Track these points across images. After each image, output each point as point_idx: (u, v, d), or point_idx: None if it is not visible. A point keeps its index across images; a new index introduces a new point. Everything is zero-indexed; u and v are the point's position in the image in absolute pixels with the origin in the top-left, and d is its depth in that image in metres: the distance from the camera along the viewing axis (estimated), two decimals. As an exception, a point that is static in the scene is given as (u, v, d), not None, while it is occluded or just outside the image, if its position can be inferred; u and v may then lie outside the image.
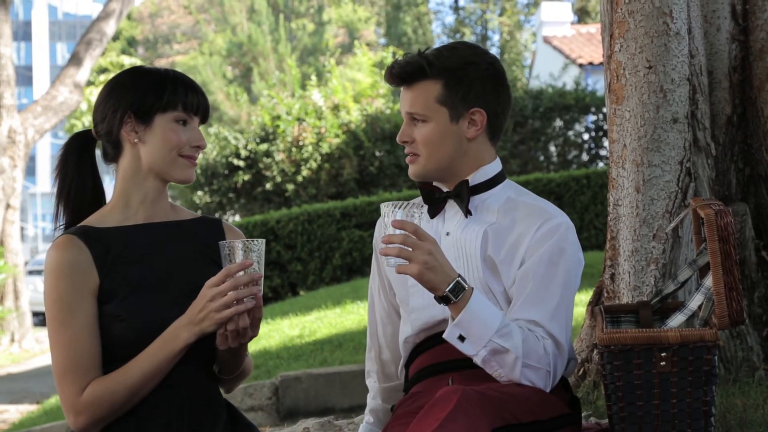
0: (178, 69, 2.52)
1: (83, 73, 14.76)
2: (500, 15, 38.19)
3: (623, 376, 2.20)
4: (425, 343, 2.41)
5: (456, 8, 39.58)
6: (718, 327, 2.19)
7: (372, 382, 2.65)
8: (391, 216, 2.15)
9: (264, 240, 2.17)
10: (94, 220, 2.28)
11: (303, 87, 18.53)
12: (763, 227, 3.72)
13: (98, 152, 2.39)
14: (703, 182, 3.57)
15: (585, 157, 15.36)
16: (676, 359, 2.18)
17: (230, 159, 15.24)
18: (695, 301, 2.32)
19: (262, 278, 2.13)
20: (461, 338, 2.19)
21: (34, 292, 20.88)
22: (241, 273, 2.11)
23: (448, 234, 2.40)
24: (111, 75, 27.67)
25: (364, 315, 7.57)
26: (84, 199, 2.34)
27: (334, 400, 5.35)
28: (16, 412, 8.83)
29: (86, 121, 27.68)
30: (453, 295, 2.16)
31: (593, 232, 11.74)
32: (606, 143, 14.66)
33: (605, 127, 14.47)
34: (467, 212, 2.38)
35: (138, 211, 2.29)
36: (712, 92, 3.73)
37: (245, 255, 2.11)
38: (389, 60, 18.26)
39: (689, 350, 2.18)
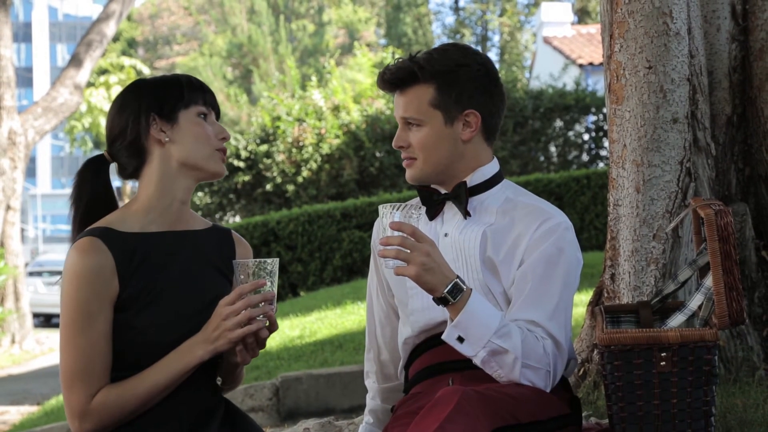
0: (178, 70, 2.54)
1: (83, 75, 14.77)
2: (500, 15, 38.21)
3: (623, 376, 2.20)
4: (425, 344, 2.41)
5: (456, 9, 39.60)
6: (719, 327, 2.19)
7: (371, 382, 2.65)
8: (389, 218, 2.15)
9: (277, 259, 2.18)
10: (115, 220, 2.26)
11: (303, 88, 18.54)
12: (763, 227, 3.72)
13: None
14: (703, 182, 3.57)
15: (585, 157, 15.37)
16: (676, 359, 2.18)
17: (230, 160, 15.24)
18: (695, 301, 2.32)
19: (275, 297, 2.15)
20: (460, 339, 2.19)
21: (34, 293, 20.92)
22: (255, 293, 2.12)
23: (446, 235, 2.40)
24: (111, 76, 27.69)
25: (365, 316, 7.55)
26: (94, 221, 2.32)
27: (334, 401, 5.35)
28: (16, 413, 8.83)
29: (86, 123, 27.71)
30: (451, 296, 2.16)
31: (593, 232, 11.74)
32: (606, 143, 14.66)
33: (605, 127, 14.47)
34: (466, 213, 2.38)
35: (162, 218, 2.27)
36: (712, 92, 3.73)
37: (258, 274, 2.13)
38: (389, 61, 18.20)
39: (689, 350, 2.18)
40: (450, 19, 60.74)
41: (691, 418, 2.20)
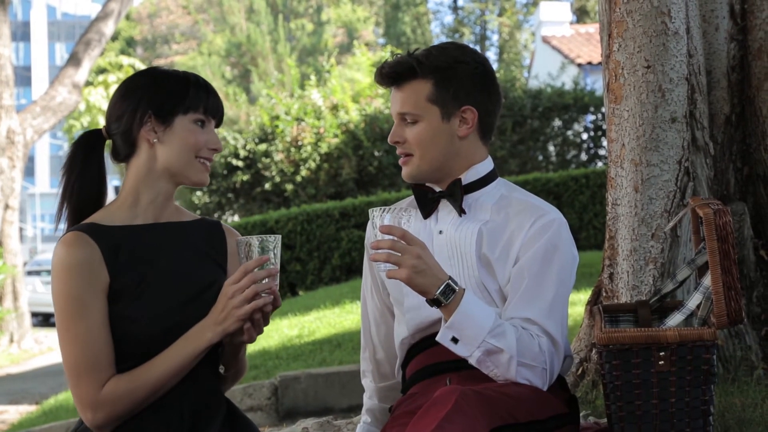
0: (178, 69, 2.53)
1: (82, 74, 14.76)
2: (499, 15, 38.21)
3: (622, 375, 2.20)
4: (421, 344, 2.41)
5: (455, 8, 39.59)
6: (717, 326, 2.19)
7: (368, 381, 2.65)
8: (379, 221, 2.15)
9: (279, 236, 2.19)
10: (100, 217, 2.28)
11: (302, 87, 18.56)
12: (762, 226, 3.72)
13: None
14: (702, 181, 3.57)
15: (584, 156, 15.37)
16: (674, 358, 2.18)
17: (229, 159, 15.24)
18: (694, 301, 2.32)
19: (279, 272, 2.15)
20: (454, 340, 2.20)
21: (33, 292, 20.90)
22: (258, 269, 2.12)
23: (441, 233, 2.40)
24: (110, 75, 27.69)
25: (362, 315, 7.56)
26: (88, 199, 2.33)
27: (333, 400, 5.35)
28: (15, 412, 8.82)
29: (85, 122, 27.69)
30: (443, 297, 2.16)
31: (592, 231, 11.74)
32: (605, 143, 14.66)
33: (604, 126, 14.46)
34: (461, 211, 2.38)
35: (147, 211, 2.30)
36: (711, 92, 3.73)
37: (261, 251, 2.14)
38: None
39: (688, 349, 2.18)
40: (449, 18, 60.78)
41: (689, 417, 2.20)
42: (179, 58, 34.67)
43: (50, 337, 16.22)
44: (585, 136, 15.49)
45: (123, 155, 2.30)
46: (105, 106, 27.49)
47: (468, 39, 37.79)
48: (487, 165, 2.45)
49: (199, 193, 15.45)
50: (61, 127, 29.62)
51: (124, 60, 28.98)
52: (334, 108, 15.56)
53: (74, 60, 14.76)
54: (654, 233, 3.45)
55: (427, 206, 2.42)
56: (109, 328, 2.18)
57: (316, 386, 5.38)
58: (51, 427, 6.42)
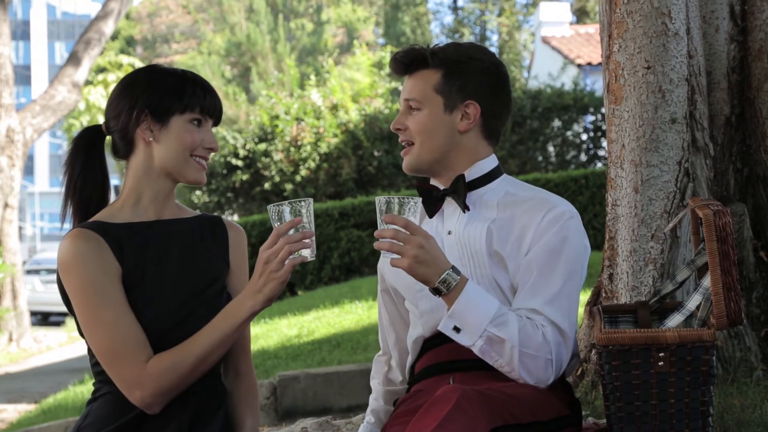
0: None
1: (82, 73, 14.76)
2: (499, 15, 38.20)
3: (621, 376, 2.20)
4: (432, 341, 2.41)
5: (455, 8, 39.58)
6: (716, 327, 2.19)
7: (376, 383, 2.67)
8: (383, 210, 2.16)
9: (311, 199, 2.19)
10: (104, 216, 2.29)
11: (302, 87, 18.54)
12: (761, 228, 3.72)
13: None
14: (702, 182, 3.57)
15: (583, 157, 15.37)
16: (674, 359, 2.18)
17: (229, 159, 15.24)
18: (693, 302, 2.32)
19: (314, 235, 2.15)
20: (456, 329, 2.20)
21: (32, 291, 20.93)
22: (292, 232, 2.12)
23: (450, 233, 2.40)
24: (109, 74, 27.70)
25: (363, 315, 7.57)
26: (92, 195, 2.34)
27: (332, 400, 5.35)
28: (14, 411, 8.83)
29: (84, 121, 27.67)
30: (444, 286, 2.17)
31: (592, 232, 11.73)
32: (604, 143, 14.67)
33: (604, 127, 14.47)
34: (465, 207, 2.38)
35: (149, 209, 2.31)
36: (711, 93, 3.73)
37: (293, 215, 2.13)
38: (387, 60, 18.22)
39: (687, 350, 2.18)
40: (449, 18, 60.79)
41: (688, 418, 2.20)
42: (179, 58, 34.67)
43: (49, 336, 16.22)
44: (584, 136, 15.49)
45: (122, 152, 2.31)
46: (104, 105, 27.50)
47: (468, 39, 37.77)
48: (491, 162, 2.45)
49: (198, 192, 15.46)
50: (61, 126, 29.60)
51: (124, 59, 28.98)
52: (334, 108, 15.57)
53: (74, 59, 14.76)
54: (654, 234, 3.45)
55: (432, 205, 2.43)
56: (131, 312, 2.18)
57: (315, 386, 5.38)
58: (50, 426, 6.43)
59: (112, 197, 2.38)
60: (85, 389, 7.75)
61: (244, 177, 15.18)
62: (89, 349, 2.28)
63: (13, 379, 11.41)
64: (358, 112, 15.39)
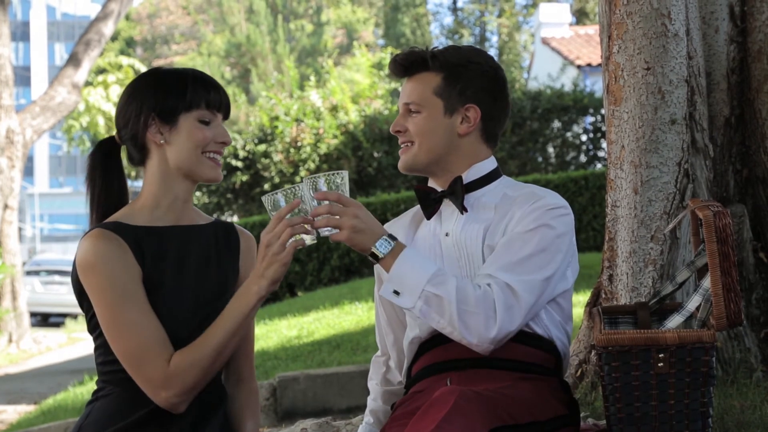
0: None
1: (81, 74, 14.76)
2: (499, 16, 38.22)
3: (621, 377, 2.20)
4: (430, 342, 2.41)
5: (454, 9, 39.60)
6: (716, 328, 2.19)
7: (373, 384, 2.67)
8: (313, 188, 2.19)
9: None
10: (123, 215, 2.29)
11: (301, 88, 18.53)
12: (761, 229, 3.72)
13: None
14: (701, 183, 3.57)
15: (583, 158, 15.37)
16: (673, 360, 2.18)
17: (228, 160, 15.24)
18: (693, 303, 2.32)
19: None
20: (396, 293, 2.21)
21: (31, 292, 20.91)
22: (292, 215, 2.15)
23: (447, 235, 2.40)
24: (109, 75, 27.68)
25: (362, 316, 7.57)
26: (117, 206, 2.35)
27: (332, 401, 5.35)
28: (13, 412, 8.82)
29: (84, 122, 27.70)
30: (380, 249, 2.19)
31: (591, 233, 11.74)
32: (604, 144, 14.67)
33: (603, 128, 14.47)
34: (462, 209, 2.38)
35: (167, 214, 2.31)
36: (711, 94, 3.73)
37: (288, 203, 2.17)
38: (387, 61, 18.22)
39: (687, 351, 2.18)
40: (448, 19, 60.79)
41: (688, 420, 2.20)
42: (179, 59, 34.68)
43: (49, 337, 16.22)
44: (584, 137, 15.49)
45: (137, 159, 2.32)
46: (104, 106, 27.52)
47: (467, 40, 37.79)
48: (489, 163, 2.45)
49: (198, 193, 15.45)
50: (61, 127, 29.60)
51: (124, 60, 28.98)
52: (334, 109, 15.56)
53: (74, 60, 14.76)
54: (653, 235, 3.45)
55: (430, 206, 2.43)
56: (155, 314, 2.19)
57: (315, 387, 5.38)
58: (49, 427, 6.42)
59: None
60: (84, 390, 7.75)
61: (244, 178, 15.18)
62: (96, 347, 2.28)
63: (13, 380, 11.41)
64: (358, 113, 15.39)
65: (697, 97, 3.58)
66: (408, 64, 2.43)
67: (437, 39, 38.83)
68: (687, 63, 3.53)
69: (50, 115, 14.46)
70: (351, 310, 8.04)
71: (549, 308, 2.36)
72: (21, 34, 62.47)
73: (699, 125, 3.59)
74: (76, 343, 16.10)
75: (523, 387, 2.25)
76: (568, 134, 15.39)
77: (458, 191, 2.39)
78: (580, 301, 6.17)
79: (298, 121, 15.32)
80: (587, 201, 11.86)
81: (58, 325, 21.16)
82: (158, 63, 36.33)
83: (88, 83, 25.19)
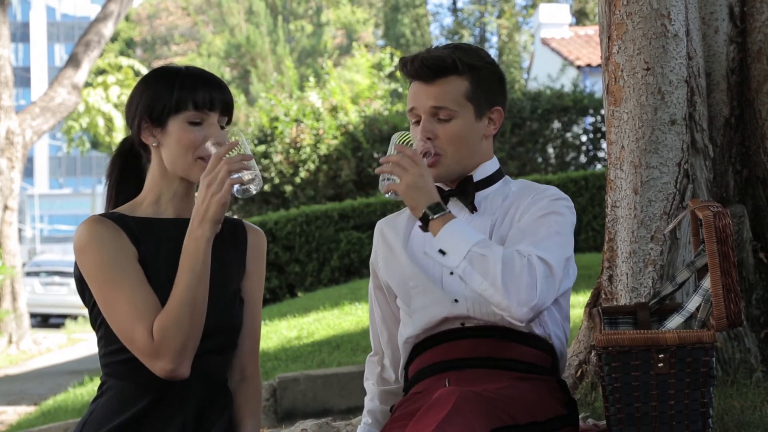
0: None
1: (81, 75, 14.76)
2: (498, 17, 38.22)
3: (621, 377, 2.20)
4: (425, 343, 2.41)
5: (454, 10, 39.60)
6: (716, 328, 2.19)
7: (370, 384, 2.66)
8: (398, 142, 2.29)
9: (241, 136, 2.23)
10: (124, 209, 2.30)
11: (301, 88, 18.55)
12: (761, 229, 3.72)
13: None
14: (701, 184, 3.57)
15: (583, 158, 15.36)
16: (673, 361, 2.18)
17: (228, 160, 15.21)
18: (693, 303, 2.32)
19: (253, 158, 2.18)
20: (441, 252, 2.22)
21: (31, 293, 20.91)
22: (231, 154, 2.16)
23: None
24: (109, 76, 27.68)
25: (362, 317, 7.57)
26: (125, 203, 2.36)
27: (332, 402, 5.34)
28: (13, 413, 8.82)
29: (84, 123, 27.70)
30: (432, 211, 2.21)
31: (591, 233, 11.74)
32: (604, 145, 14.66)
33: (603, 128, 14.47)
34: (473, 208, 2.39)
35: (168, 207, 2.31)
36: (710, 94, 3.73)
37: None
38: (387, 61, 18.26)
39: (687, 352, 2.18)
40: (448, 20, 60.76)
41: (688, 420, 2.20)
42: (178, 60, 34.68)
43: (49, 338, 16.22)
44: (584, 138, 15.49)
45: (144, 158, 2.34)
46: (104, 107, 27.54)
47: (467, 41, 37.70)
48: (494, 163, 2.48)
49: (197, 193, 15.42)
50: (60, 128, 29.61)
51: (124, 61, 29.00)
52: (333, 109, 15.56)
53: (73, 61, 14.76)
54: (653, 235, 3.45)
55: None
56: (149, 287, 2.18)
57: (315, 388, 5.38)
58: (49, 428, 6.42)
59: None
60: (84, 391, 7.75)
61: (244, 179, 15.16)
62: (98, 340, 2.27)
63: (13, 381, 11.40)
64: (358, 114, 15.38)
65: (696, 98, 3.58)
66: (436, 67, 2.38)
67: (437, 39, 38.81)
68: (687, 63, 3.53)
69: (50, 116, 14.46)
70: (351, 310, 8.04)
71: (551, 307, 2.37)
72: (21, 35, 62.47)
73: (699, 126, 3.59)
74: (76, 344, 16.10)
75: (522, 387, 2.25)
76: (568, 135, 15.39)
77: (470, 191, 2.41)
78: (580, 301, 6.17)
79: (297, 121, 15.32)
80: (587, 201, 11.86)
81: (58, 326, 21.16)
82: (158, 64, 36.35)
83: (87, 84, 25.19)
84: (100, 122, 27.51)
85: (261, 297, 2.41)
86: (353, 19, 36.19)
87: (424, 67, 2.39)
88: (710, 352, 2.18)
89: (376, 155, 14.90)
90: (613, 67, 3.55)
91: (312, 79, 17.68)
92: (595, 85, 18.86)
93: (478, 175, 2.43)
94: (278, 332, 7.68)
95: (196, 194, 2.25)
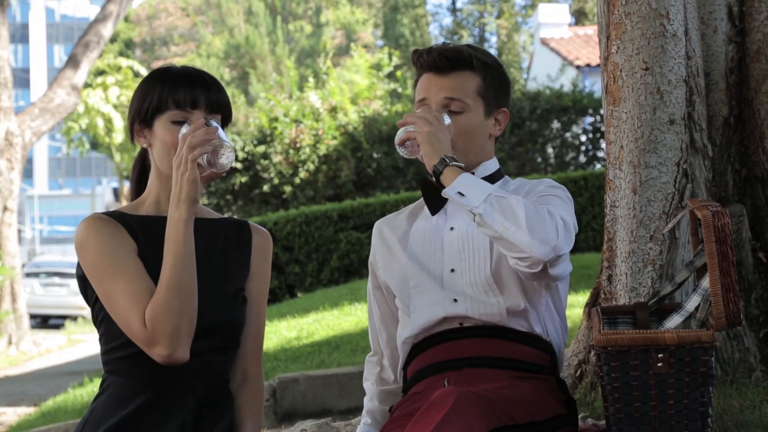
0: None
1: (80, 76, 14.76)
2: (498, 17, 38.23)
3: (620, 377, 2.20)
4: (424, 343, 2.42)
5: (453, 10, 39.61)
6: (715, 328, 2.19)
7: (369, 384, 2.66)
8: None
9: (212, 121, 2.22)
10: (127, 208, 2.32)
11: (300, 89, 18.54)
12: (760, 228, 3.72)
13: None
14: (700, 183, 3.57)
15: (582, 158, 15.37)
16: (673, 360, 2.18)
17: (228, 161, 15.21)
18: (692, 303, 2.32)
19: (217, 130, 2.17)
20: (461, 194, 2.21)
21: (31, 294, 20.91)
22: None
23: (452, 229, 2.41)
24: (108, 77, 27.67)
25: (362, 317, 7.57)
26: None
27: (331, 402, 5.34)
28: (13, 414, 8.82)
29: (83, 124, 27.69)
30: (450, 159, 2.24)
31: (590, 233, 11.74)
32: (603, 145, 14.66)
33: (602, 128, 14.46)
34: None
35: (167, 207, 2.29)
36: (709, 94, 3.73)
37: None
38: (386, 62, 18.27)
39: (686, 351, 2.18)
40: (447, 20, 60.80)
41: (687, 420, 2.20)
42: (178, 60, 34.68)
43: (49, 339, 16.21)
44: (583, 138, 15.50)
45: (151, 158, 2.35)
46: (103, 108, 27.53)
47: (466, 41, 37.77)
48: (495, 163, 2.50)
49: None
50: (60, 129, 29.60)
51: (123, 62, 28.99)
52: (333, 110, 15.56)
53: (73, 62, 14.76)
54: (652, 235, 3.45)
55: (437, 203, 2.43)
56: (148, 277, 2.17)
57: (315, 388, 5.38)
58: (49, 428, 6.42)
59: None
60: (84, 392, 7.75)
61: (243, 179, 15.17)
62: (100, 337, 2.28)
63: (13, 382, 11.40)
64: (357, 114, 15.38)
65: (695, 97, 3.58)
66: (454, 59, 2.41)
67: (436, 39, 38.82)
68: (685, 63, 3.53)
69: (49, 117, 14.46)
70: (351, 311, 8.04)
71: (549, 303, 2.38)
72: (20, 36, 62.48)
73: (698, 125, 3.59)
74: (75, 345, 16.10)
75: (521, 387, 2.25)
76: (568, 135, 15.39)
77: None
78: (579, 301, 6.18)
79: (297, 122, 15.32)
80: (586, 201, 11.86)
81: (57, 327, 21.16)
82: (157, 65, 36.33)
83: (87, 85, 25.19)
84: (100, 123, 27.50)
85: (265, 298, 2.40)
86: (352, 20, 36.20)
87: (442, 57, 2.41)
88: (709, 352, 2.18)
89: (375, 155, 14.91)
90: (612, 66, 3.55)
91: (311, 79, 17.68)
92: (595, 85, 18.87)
93: (479, 173, 2.44)
94: (278, 332, 7.68)
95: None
